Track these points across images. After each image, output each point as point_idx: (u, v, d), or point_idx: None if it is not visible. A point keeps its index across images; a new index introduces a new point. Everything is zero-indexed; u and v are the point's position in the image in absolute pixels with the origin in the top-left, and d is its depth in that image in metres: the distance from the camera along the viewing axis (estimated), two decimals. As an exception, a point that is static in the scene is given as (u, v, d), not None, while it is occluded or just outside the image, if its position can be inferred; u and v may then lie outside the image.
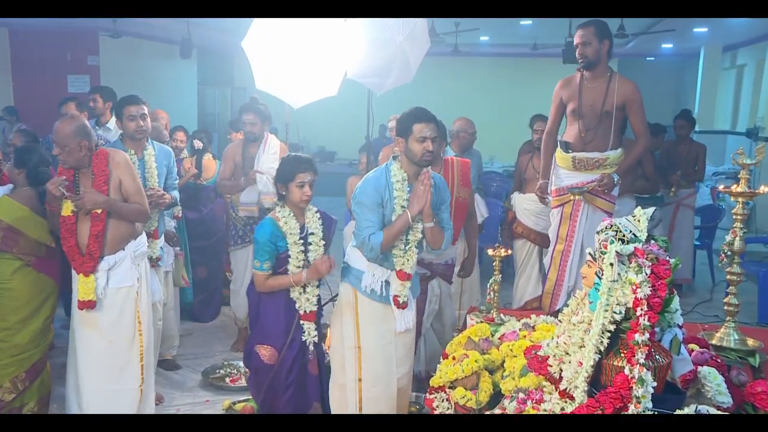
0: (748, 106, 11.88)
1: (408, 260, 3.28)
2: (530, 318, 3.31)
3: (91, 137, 3.45)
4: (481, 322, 3.35)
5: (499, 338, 3.07)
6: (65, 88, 10.43)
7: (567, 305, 2.50)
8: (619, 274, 2.20)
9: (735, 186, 2.95)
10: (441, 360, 3.02)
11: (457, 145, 5.47)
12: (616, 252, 2.20)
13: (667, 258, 2.26)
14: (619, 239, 2.25)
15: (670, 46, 13.56)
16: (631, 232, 2.27)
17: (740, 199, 2.93)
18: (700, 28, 10.99)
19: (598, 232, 2.33)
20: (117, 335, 3.55)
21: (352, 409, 3.32)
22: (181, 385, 4.63)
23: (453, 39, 11.17)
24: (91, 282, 3.45)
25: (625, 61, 13.89)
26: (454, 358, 2.91)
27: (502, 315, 3.52)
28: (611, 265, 2.20)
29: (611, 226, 2.30)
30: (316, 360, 3.54)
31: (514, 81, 15.20)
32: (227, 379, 4.60)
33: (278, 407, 3.47)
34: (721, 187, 3.20)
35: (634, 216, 2.34)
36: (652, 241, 2.32)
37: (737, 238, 2.96)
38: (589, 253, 2.41)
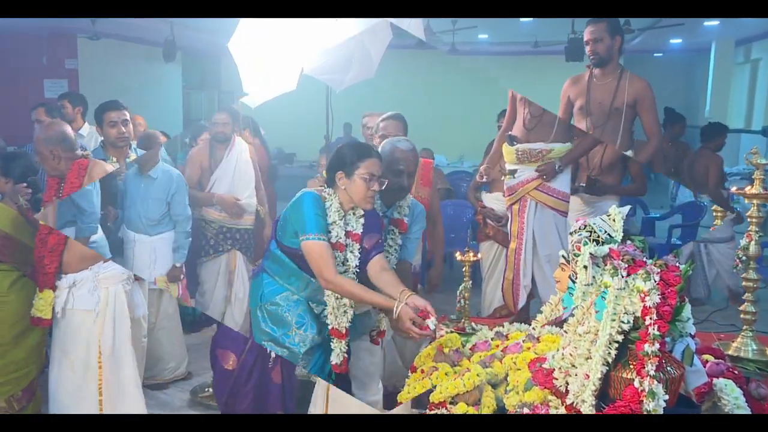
0: (763, 102, 11.87)
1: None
2: (503, 326, 3.23)
3: (66, 145, 3.50)
4: (451, 332, 3.27)
5: (470, 348, 3.02)
6: (41, 94, 10.37)
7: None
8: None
9: (749, 187, 2.95)
10: (409, 374, 2.96)
11: None
12: (590, 254, 2.19)
13: (645, 259, 2.23)
14: (593, 240, 2.23)
15: (678, 41, 13.57)
16: (605, 232, 2.25)
17: (755, 201, 2.94)
18: (711, 21, 11.01)
19: (571, 233, 2.31)
20: (77, 358, 3.56)
21: (320, 405, 3.31)
22: (168, 404, 4.60)
23: (450, 37, 11.19)
24: (46, 297, 3.47)
25: (632, 57, 13.88)
26: (423, 371, 2.88)
27: (473, 324, 3.48)
28: (585, 267, 2.18)
29: (585, 226, 2.28)
30: (280, 368, 3.52)
31: (515, 80, 15.21)
32: (216, 399, 4.59)
33: (238, 413, 3.52)
34: (734, 189, 3.20)
35: (608, 215, 2.32)
36: (629, 242, 2.29)
37: (753, 243, 2.97)
38: (563, 256, 2.40)
